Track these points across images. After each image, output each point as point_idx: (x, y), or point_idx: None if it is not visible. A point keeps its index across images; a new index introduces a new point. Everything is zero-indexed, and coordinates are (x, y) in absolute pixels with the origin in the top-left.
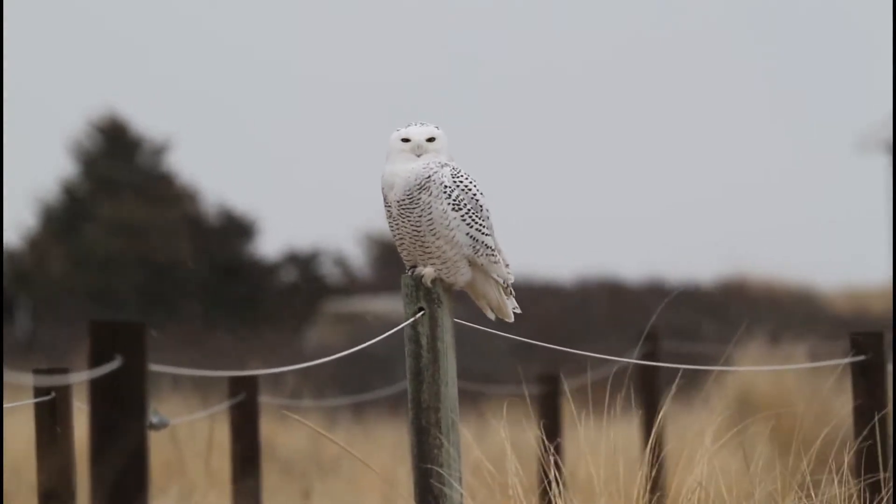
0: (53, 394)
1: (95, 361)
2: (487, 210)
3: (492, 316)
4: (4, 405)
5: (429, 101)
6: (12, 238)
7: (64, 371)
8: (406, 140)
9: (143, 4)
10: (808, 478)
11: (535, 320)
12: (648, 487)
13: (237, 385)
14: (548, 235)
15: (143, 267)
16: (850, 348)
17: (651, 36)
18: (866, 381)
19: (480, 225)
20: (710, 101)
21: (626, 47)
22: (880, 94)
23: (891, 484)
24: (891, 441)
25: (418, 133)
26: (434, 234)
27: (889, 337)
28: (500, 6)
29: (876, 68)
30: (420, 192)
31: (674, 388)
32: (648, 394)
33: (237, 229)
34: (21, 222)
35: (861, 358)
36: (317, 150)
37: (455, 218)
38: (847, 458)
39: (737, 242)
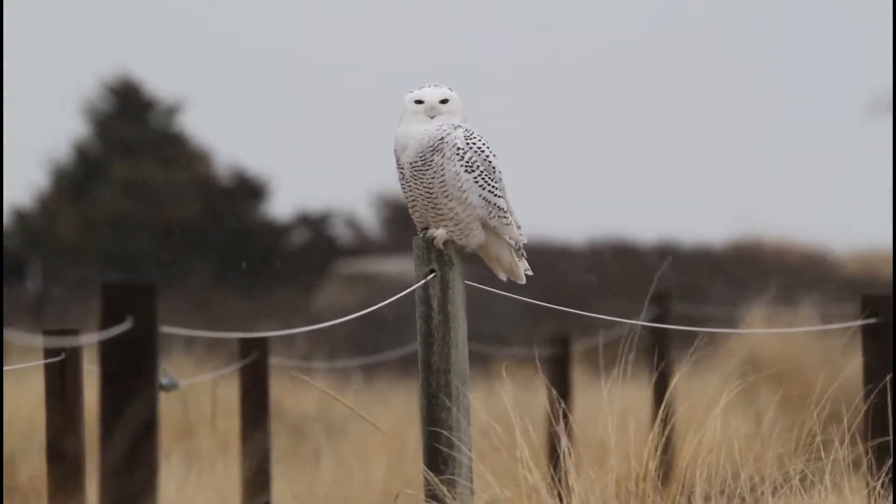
0: (63, 355)
1: (106, 323)
2: (500, 172)
3: (503, 277)
4: (14, 366)
5: (441, 69)
6: (23, 198)
7: (74, 332)
8: (419, 102)
9: None
10: (818, 439)
11: (546, 283)
12: (659, 450)
13: (248, 346)
14: (559, 198)
15: (155, 228)
16: (862, 310)
17: (657, 8)
18: (877, 343)
19: (493, 187)
20: (722, 66)
21: (634, 21)
22: (889, 55)
23: None
24: None
25: (432, 94)
26: (447, 196)
27: None
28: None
29: (883, 30)
30: (433, 154)
31: (690, 353)
32: (659, 356)
33: (249, 190)
34: (33, 183)
35: (872, 320)
36: (329, 111)
37: (468, 180)
38: (856, 421)
39: (749, 205)
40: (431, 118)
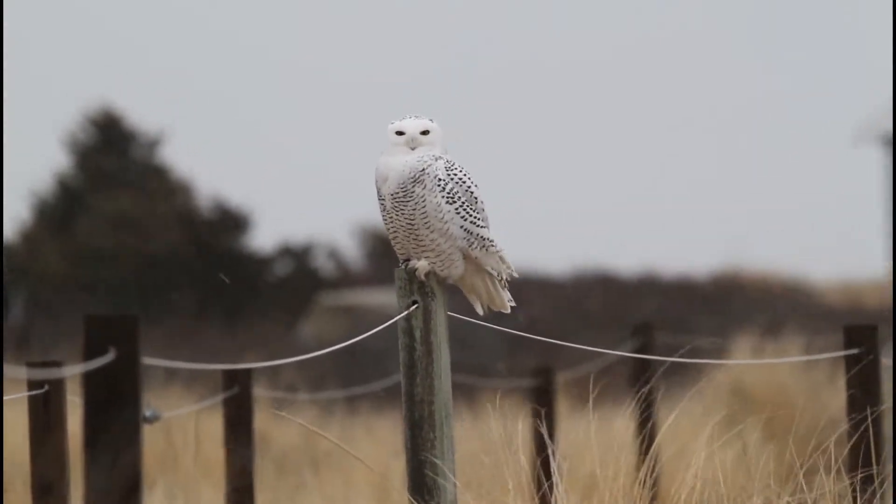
0: (47, 387)
1: (89, 354)
2: (482, 202)
3: (481, 311)
4: None
5: (425, 96)
6: (6, 231)
7: (58, 364)
8: (400, 133)
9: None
10: (802, 471)
11: (529, 314)
12: (644, 481)
13: (231, 378)
14: (542, 229)
15: (138, 260)
16: (844, 341)
17: (645, 32)
18: (860, 375)
19: (475, 217)
20: (703, 95)
21: (620, 44)
22: (876, 87)
23: (890, 477)
24: (885, 434)
25: (412, 126)
26: (428, 227)
27: (884, 330)
28: (499, 3)
29: (872, 61)
30: (414, 185)
31: (689, 392)
32: (642, 386)
33: (231, 222)
34: (15, 215)
35: (854, 351)
36: (311, 143)
37: (449, 211)
38: (841, 453)
39: (731, 236)
40: (412, 149)
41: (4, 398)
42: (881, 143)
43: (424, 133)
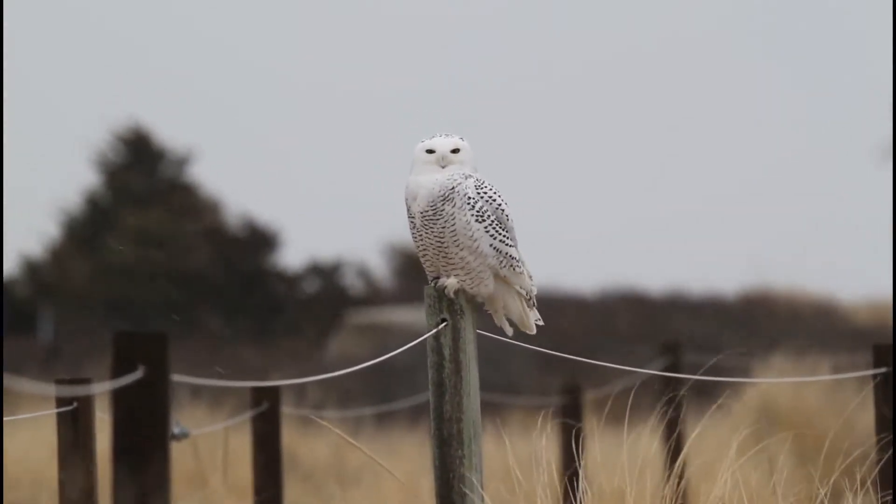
0: (76, 404)
1: (118, 372)
2: (511, 221)
3: (510, 332)
4: (27, 415)
5: (453, 111)
6: (35, 248)
7: (86, 381)
8: (431, 151)
9: (168, 18)
10: (829, 491)
11: (557, 332)
12: (672, 500)
13: (259, 395)
14: (570, 248)
15: (166, 277)
16: (873, 360)
17: (669, 48)
18: (888, 393)
19: (504, 236)
20: (732, 113)
21: (650, 61)
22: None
23: None
24: None
25: (443, 144)
26: (458, 245)
27: None
28: (507, 13)
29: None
30: (444, 204)
31: (712, 408)
32: (670, 404)
33: (260, 240)
34: (44, 233)
35: (883, 370)
36: (340, 161)
37: (479, 229)
38: (870, 472)
39: (759, 254)
40: (443, 167)
41: (34, 415)
42: None
43: (455, 151)
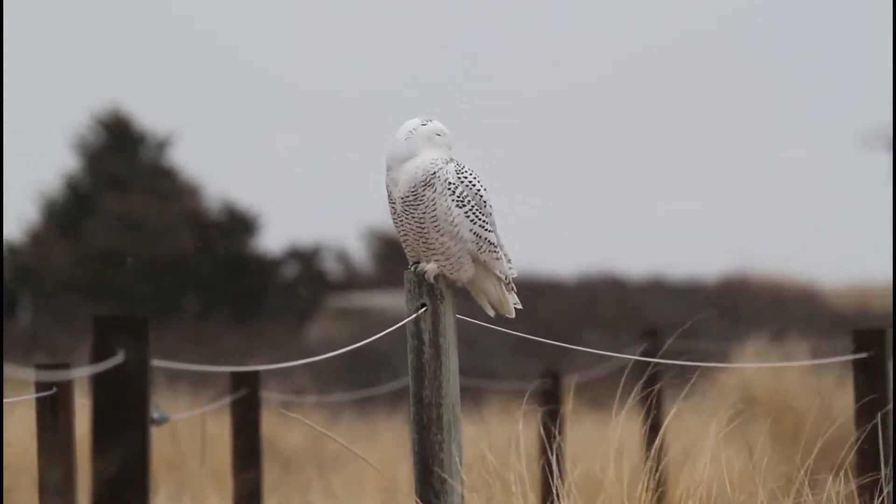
0: (55, 389)
1: (97, 356)
2: (490, 206)
3: (491, 313)
4: (6, 400)
5: (429, 100)
6: (14, 232)
7: (66, 366)
8: (440, 134)
9: (148, 2)
10: (808, 476)
11: (537, 317)
12: (651, 485)
13: (239, 380)
14: (550, 233)
15: (146, 261)
16: (853, 345)
17: (653, 37)
18: (868, 378)
19: (484, 221)
20: (712, 100)
21: (628, 48)
22: (884, 91)
23: (891, 481)
24: (892, 438)
25: (427, 129)
26: (438, 231)
27: (890, 334)
28: (504, 12)
29: (879, 65)
30: (425, 189)
31: (685, 391)
32: (650, 390)
33: (240, 224)
34: (24, 217)
35: (863, 355)
36: (319, 146)
37: (459, 214)
38: (848, 456)
39: (739, 240)
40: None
41: (13, 400)
42: (887, 148)
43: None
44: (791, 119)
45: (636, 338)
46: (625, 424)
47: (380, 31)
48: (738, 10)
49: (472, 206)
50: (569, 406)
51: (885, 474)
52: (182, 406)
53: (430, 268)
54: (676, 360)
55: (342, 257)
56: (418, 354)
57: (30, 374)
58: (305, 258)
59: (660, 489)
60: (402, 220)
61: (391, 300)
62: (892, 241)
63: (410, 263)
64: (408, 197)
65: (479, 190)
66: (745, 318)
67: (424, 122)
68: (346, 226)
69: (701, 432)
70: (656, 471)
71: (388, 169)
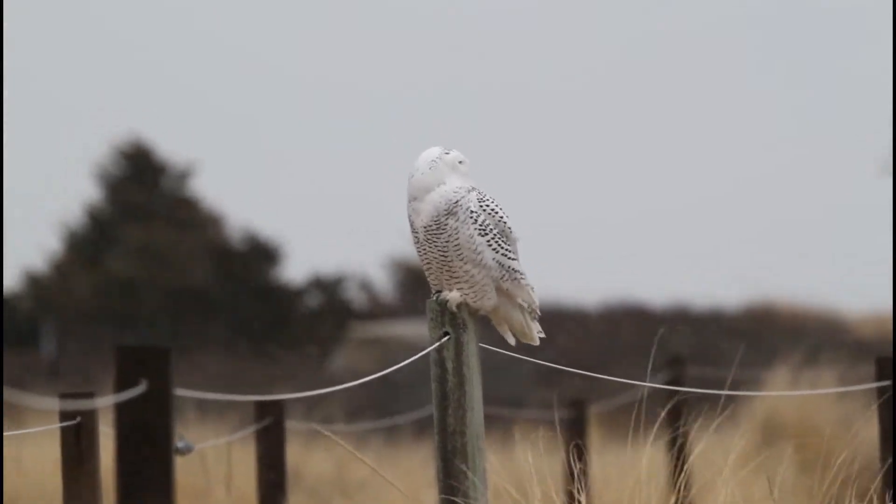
0: (79, 418)
1: (121, 386)
2: (514, 234)
3: (513, 342)
4: (31, 429)
5: (457, 126)
6: (36, 262)
7: (89, 395)
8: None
9: (169, 31)
10: (833, 502)
11: (560, 346)
12: None
13: (263, 409)
14: (573, 261)
15: (168, 291)
16: (876, 372)
17: (676, 62)
18: (891, 406)
19: (506, 249)
20: (736, 128)
21: (651, 74)
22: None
23: None
24: None
25: (450, 157)
26: (461, 259)
27: None
28: (515, 16)
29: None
30: (447, 218)
31: (715, 419)
32: (674, 419)
33: (262, 254)
34: (46, 247)
35: (886, 383)
36: (342, 175)
37: (482, 243)
38: (873, 484)
39: (762, 268)
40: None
41: (37, 429)
42: None
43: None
44: (814, 145)
45: (660, 366)
46: (649, 453)
47: (408, 53)
48: (738, 11)
49: (495, 235)
50: (593, 435)
51: None
52: (209, 435)
53: (453, 296)
54: (701, 389)
55: (366, 286)
56: (441, 383)
57: (54, 404)
58: (328, 288)
59: None
60: (425, 249)
61: (415, 329)
62: (893, 267)
63: (433, 292)
64: (430, 226)
65: (501, 217)
66: (768, 345)
67: (447, 151)
68: (369, 255)
69: (725, 461)
70: (682, 499)
71: (412, 199)
